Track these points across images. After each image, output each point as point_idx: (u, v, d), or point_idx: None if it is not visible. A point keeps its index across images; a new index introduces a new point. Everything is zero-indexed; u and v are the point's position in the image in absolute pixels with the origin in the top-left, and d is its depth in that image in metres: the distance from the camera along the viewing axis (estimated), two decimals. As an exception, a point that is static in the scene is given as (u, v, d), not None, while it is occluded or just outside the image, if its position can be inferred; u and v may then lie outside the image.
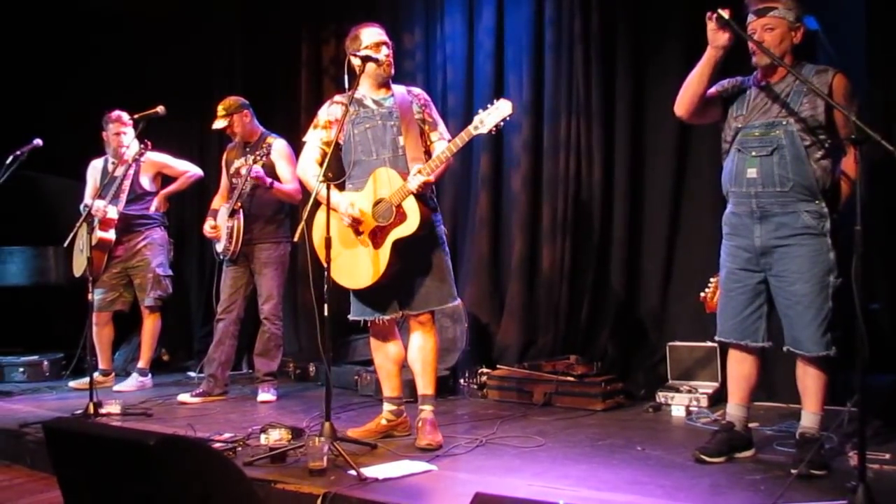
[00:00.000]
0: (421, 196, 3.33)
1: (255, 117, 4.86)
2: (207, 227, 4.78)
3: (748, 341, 3.09)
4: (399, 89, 3.58)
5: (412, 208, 3.30)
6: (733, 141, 3.08)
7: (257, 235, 4.71)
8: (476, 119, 3.24)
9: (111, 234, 5.18)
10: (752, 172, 2.97)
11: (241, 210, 4.63)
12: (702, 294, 3.60)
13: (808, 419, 3.02)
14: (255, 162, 4.58)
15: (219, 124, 4.74)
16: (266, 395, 4.74)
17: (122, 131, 5.28)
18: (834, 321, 2.92)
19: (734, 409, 3.19)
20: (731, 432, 3.13)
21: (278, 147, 4.75)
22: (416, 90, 3.67)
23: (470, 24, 5.48)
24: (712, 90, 3.12)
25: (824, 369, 2.98)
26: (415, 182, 3.25)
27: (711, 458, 3.04)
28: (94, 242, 4.99)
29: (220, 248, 4.73)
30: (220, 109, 4.75)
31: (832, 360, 2.98)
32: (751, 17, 3.01)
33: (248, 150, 4.75)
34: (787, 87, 2.99)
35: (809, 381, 3.00)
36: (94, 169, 5.47)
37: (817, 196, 2.92)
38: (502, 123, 3.23)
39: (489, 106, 3.23)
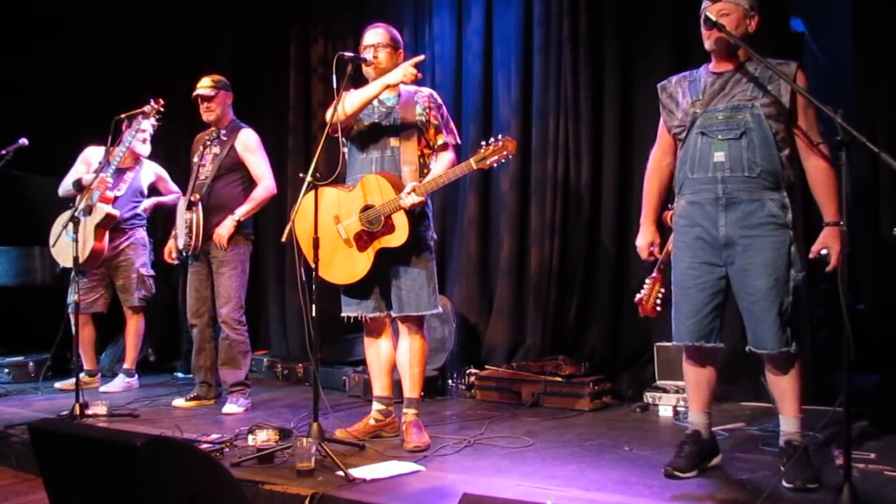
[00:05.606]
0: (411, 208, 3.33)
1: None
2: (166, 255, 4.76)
3: (702, 342, 2.90)
4: (407, 89, 3.55)
5: (402, 224, 3.32)
6: (692, 126, 2.91)
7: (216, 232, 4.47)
8: (479, 154, 3.24)
9: (116, 211, 5.00)
10: (719, 156, 2.82)
11: (199, 202, 4.39)
12: (637, 296, 3.42)
13: (790, 424, 2.88)
14: (226, 156, 4.45)
15: (206, 91, 4.50)
16: (232, 406, 4.36)
17: (143, 138, 5.17)
18: (793, 316, 2.80)
19: (697, 417, 3.02)
20: (699, 442, 2.97)
21: (244, 138, 4.52)
22: (426, 91, 3.61)
23: (458, 24, 5.48)
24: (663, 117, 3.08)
25: (795, 368, 2.85)
26: (408, 200, 3.27)
27: (684, 473, 2.87)
28: (98, 219, 4.85)
29: (181, 243, 4.49)
30: (210, 80, 4.53)
31: (800, 358, 2.86)
32: (705, 3, 2.87)
33: (216, 136, 4.56)
34: (747, 73, 2.85)
35: (784, 383, 2.86)
36: (94, 153, 5.24)
37: (781, 186, 2.81)
38: (502, 161, 3.26)
39: (492, 141, 3.23)
